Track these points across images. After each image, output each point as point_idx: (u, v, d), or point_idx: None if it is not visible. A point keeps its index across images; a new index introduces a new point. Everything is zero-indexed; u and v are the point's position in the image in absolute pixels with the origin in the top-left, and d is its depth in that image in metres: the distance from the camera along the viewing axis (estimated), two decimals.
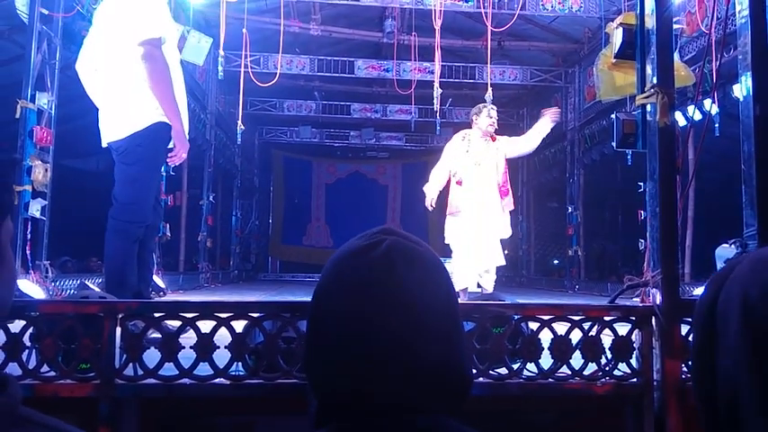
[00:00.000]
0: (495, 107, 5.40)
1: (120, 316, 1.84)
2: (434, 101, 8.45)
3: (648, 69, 2.03)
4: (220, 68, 8.32)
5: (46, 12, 5.38)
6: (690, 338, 1.93)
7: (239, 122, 9.09)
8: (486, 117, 5.19)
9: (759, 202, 2.07)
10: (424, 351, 0.76)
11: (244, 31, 8.05)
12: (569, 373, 1.91)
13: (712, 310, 0.66)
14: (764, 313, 0.59)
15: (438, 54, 8.08)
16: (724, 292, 0.65)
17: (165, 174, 7.18)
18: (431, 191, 5.24)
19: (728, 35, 3.98)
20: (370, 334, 0.76)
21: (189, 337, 1.84)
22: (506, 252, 13.00)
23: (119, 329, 1.83)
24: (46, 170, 5.17)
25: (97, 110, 3.12)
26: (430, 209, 5.30)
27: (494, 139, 5.29)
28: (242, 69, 8.71)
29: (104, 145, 3.10)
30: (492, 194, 5.11)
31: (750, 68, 2.19)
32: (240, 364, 1.82)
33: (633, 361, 1.95)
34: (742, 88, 2.25)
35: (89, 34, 3.23)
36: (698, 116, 7.14)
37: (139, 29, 2.91)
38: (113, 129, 3.01)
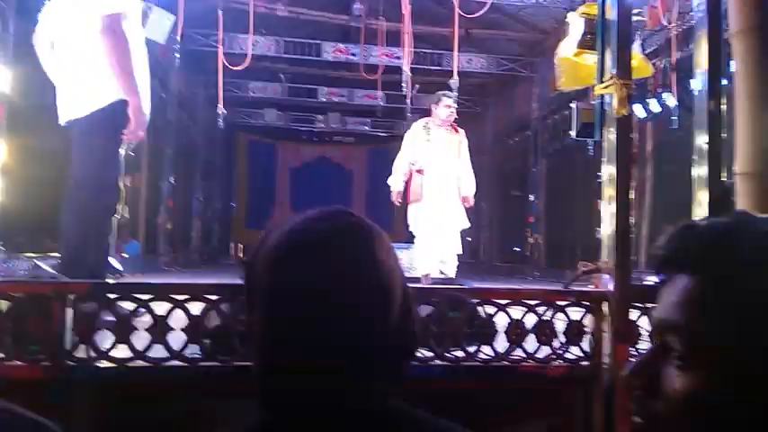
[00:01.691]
0: (453, 95, 5.38)
1: (73, 297, 1.80)
2: (403, 86, 8.43)
3: (608, 60, 2.06)
4: (177, 55, 8.14)
5: None
6: (639, 323, 1.99)
7: (220, 105, 8.91)
8: (444, 107, 5.19)
9: (709, 192, 2.14)
10: (385, 325, 0.77)
11: (219, 12, 7.85)
12: (523, 355, 1.96)
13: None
14: None
15: (407, 39, 8.04)
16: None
17: (123, 153, 7.01)
18: (396, 184, 5.25)
19: (688, 30, 4.07)
20: (338, 308, 0.75)
21: (144, 321, 1.81)
22: (469, 239, 13.13)
23: (71, 311, 1.79)
24: None
25: (55, 87, 3.03)
26: (397, 203, 5.31)
27: (456, 130, 5.30)
28: (219, 50, 8.48)
29: (62, 123, 3.00)
30: (452, 184, 5.14)
31: (705, 64, 2.26)
32: (196, 346, 1.80)
33: (585, 344, 2.00)
34: (696, 83, 2.32)
35: (46, 8, 3.12)
36: (657, 108, 7.34)
37: (101, 3, 2.83)
38: (73, 106, 2.93)
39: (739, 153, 1.92)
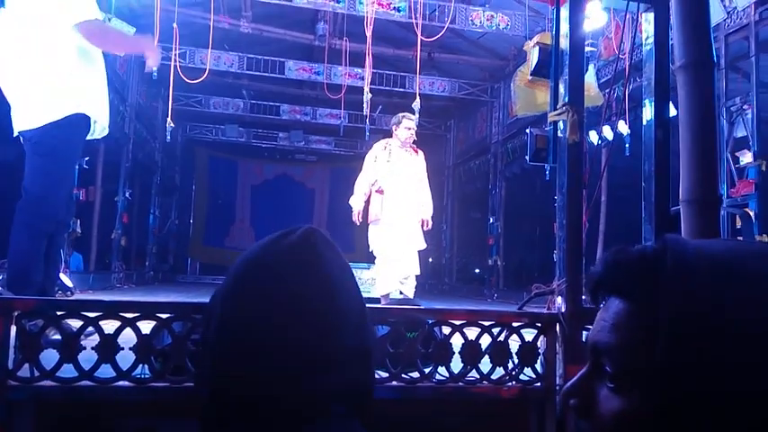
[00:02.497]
0: (413, 117, 5.42)
1: (17, 314, 1.73)
2: (364, 106, 8.50)
3: (561, 88, 2.13)
4: (155, 69, 8.04)
5: None
6: None
7: (169, 120, 8.76)
8: (404, 129, 5.26)
9: (656, 218, 2.22)
10: (341, 339, 0.76)
11: (174, 25, 7.78)
12: (478, 377, 1.97)
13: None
14: None
15: (369, 60, 8.14)
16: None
17: (77, 166, 6.83)
18: (356, 204, 5.26)
19: (640, 61, 4.24)
20: (292, 321, 0.74)
21: (94, 339, 1.76)
22: (430, 260, 13.14)
23: (14, 328, 1.73)
24: None
25: (6, 96, 2.95)
26: (357, 222, 5.31)
27: (416, 151, 5.36)
28: (172, 64, 8.41)
29: (15, 134, 2.92)
30: (411, 205, 5.17)
31: (653, 94, 2.36)
32: (146, 366, 1.76)
33: (538, 366, 2.03)
34: (645, 113, 2.41)
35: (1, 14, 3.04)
36: (611, 136, 7.59)
37: (75, 11, 2.80)
38: (27, 117, 2.85)
39: (683, 181, 2.00)
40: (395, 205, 5.16)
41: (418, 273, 5.27)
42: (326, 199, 16.15)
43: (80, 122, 2.87)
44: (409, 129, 5.26)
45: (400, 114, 5.43)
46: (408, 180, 5.21)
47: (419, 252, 5.27)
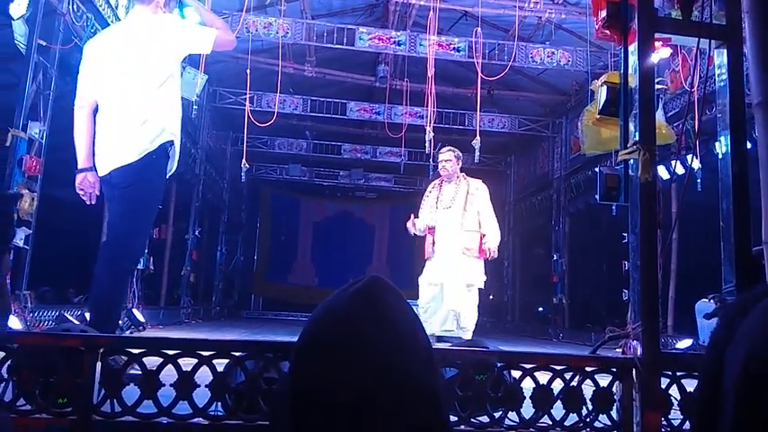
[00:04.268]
0: (447, 150, 5.31)
1: (102, 351, 1.82)
2: (426, 145, 8.58)
3: (631, 127, 2.10)
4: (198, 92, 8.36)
5: (44, 43, 5.45)
6: (670, 391, 1.95)
7: (244, 161, 9.21)
8: (439, 164, 5.32)
9: (737, 259, 2.12)
10: (409, 380, 0.78)
11: (248, 71, 8.16)
12: (550, 423, 1.91)
13: (721, 354, 0.67)
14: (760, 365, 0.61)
15: (430, 100, 8.24)
16: (737, 335, 0.65)
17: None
18: (418, 222, 5.26)
19: (710, 93, 4.11)
20: (360, 361, 0.77)
21: (169, 374, 1.82)
22: (491, 297, 12.88)
23: (98, 364, 1.81)
24: (32, 199, 5.15)
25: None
26: (411, 230, 5.25)
27: (463, 179, 5.28)
28: (246, 109, 8.80)
29: (102, 174, 2.90)
30: (457, 239, 5.08)
31: (728, 128, 2.28)
32: (220, 403, 1.80)
33: (614, 413, 1.95)
34: (721, 147, 2.33)
35: (102, 41, 3.06)
36: (681, 170, 7.33)
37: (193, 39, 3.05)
38: (119, 153, 2.85)
39: (765, 221, 1.91)
40: (441, 240, 5.13)
41: (467, 308, 5.09)
42: (386, 235, 16.25)
43: (166, 152, 2.92)
44: (441, 162, 5.29)
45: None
46: (454, 213, 5.16)
47: (479, 289, 5.16)
